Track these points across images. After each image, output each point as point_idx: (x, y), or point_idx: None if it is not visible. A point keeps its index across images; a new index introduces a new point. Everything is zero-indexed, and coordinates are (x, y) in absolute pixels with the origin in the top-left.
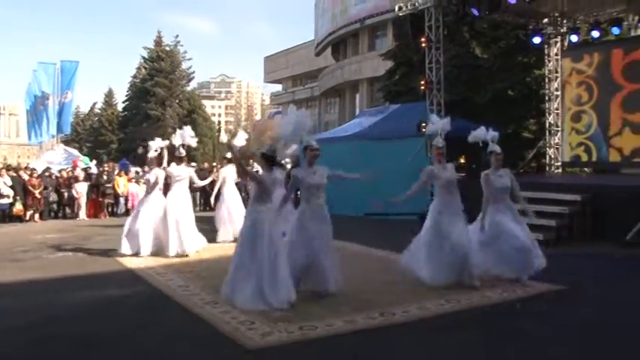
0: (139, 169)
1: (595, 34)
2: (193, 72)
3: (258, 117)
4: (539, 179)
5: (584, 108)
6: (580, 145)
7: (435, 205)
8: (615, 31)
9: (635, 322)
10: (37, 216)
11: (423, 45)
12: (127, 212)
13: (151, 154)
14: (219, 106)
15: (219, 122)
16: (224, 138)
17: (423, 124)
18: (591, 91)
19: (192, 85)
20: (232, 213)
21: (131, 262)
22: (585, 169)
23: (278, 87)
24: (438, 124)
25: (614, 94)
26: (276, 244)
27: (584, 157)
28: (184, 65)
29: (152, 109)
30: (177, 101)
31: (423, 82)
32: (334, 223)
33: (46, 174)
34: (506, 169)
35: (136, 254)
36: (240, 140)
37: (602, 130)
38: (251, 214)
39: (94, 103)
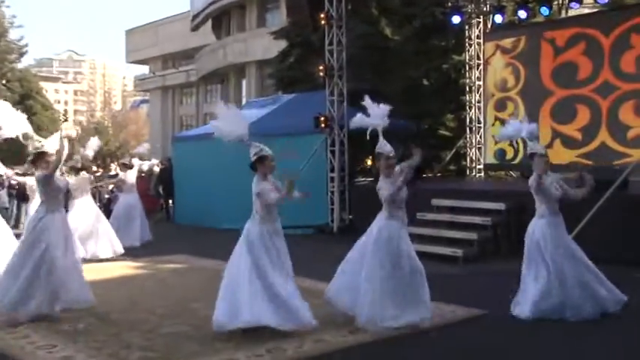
0: None
1: (522, 14)
2: (27, 45)
3: (118, 106)
4: (459, 185)
5: (509, 94)
6: None
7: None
8: (544, 11)
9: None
10: None
11: (322, 22)
12: None
13: None
14: (66, 91)
15: (66, 111)
16: (71, 132)
17: (322, 118)
18: (518, 75)
19: (27, 61)
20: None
21: None
22: (512, 172)
23: (144, 69)
24: (376, 114)
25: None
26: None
27: (510, 153)
28: (13, 34)
29: None
30: (3, 82)
31: (321, 68)
32: (231, 239)
33: None
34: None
35: None
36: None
37: (530, 119)
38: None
39: None
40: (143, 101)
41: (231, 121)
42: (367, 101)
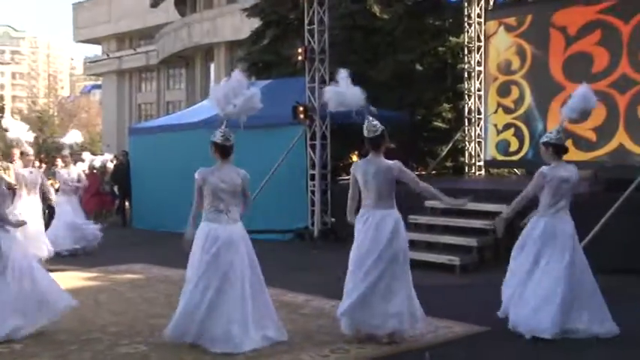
0: None
1: None
2: None
3: (65, 92)
4: (456, 184)
5: (514, 77)
6: (509, 128)
7: None
8: None
9: None
10: None
11: None
12: None
13: None
14: (2, 73)
15: (2, 97)
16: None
17: (301, 108)
18: (524, 56)
19: None
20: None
21: None
22: (516, 170)
23: (96, 50)
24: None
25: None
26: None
27: (515, 145)
28: None
29: None
30: None
31: (300, 50)
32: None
33: None
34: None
35: None
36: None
37: (538, 107)
38: None
39: None
40: (95, 86)
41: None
42: (342, 74)
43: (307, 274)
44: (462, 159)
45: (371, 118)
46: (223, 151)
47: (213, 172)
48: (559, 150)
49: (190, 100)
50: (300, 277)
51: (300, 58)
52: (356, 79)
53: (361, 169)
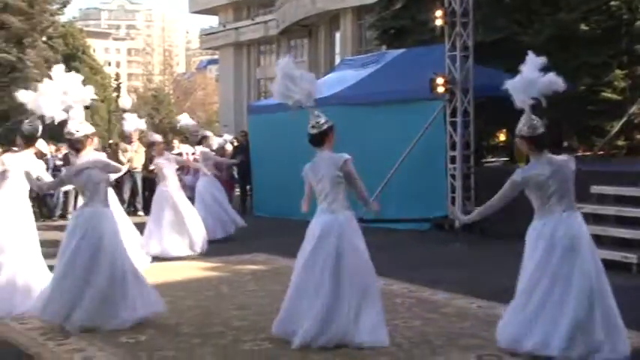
0: None
1: None
2: None
3: (181, 68)
4: (629, 167)
5: None
6: None
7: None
8: None
9: None
10: None
11: None
12: None
13: None
14: (118, 50)
15: (118, 75)
16: (126, 102)
17: (441, 80)
18: None
19: (71, 13)
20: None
21: None
22: None
23: (212, 21)
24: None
25: None
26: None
27: None
28: None
29: (1, 51)
30: (44, 39)
31: (439, 14)
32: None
33: None
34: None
35: None
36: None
37: None
38: None
39: None
40: (211, 61)
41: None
42: (531, 58)
43: (447, 270)
44: (638, 136)
45: None
46: (311, 141)
47: (312, 165)
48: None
49: (314, 73)
50: (439, 272)
51: (439, 22)
52: (505, 45)
53: None
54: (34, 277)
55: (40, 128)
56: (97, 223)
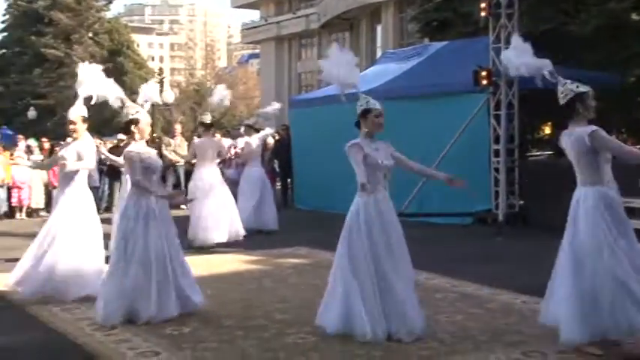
0: (33, 142)
1: None
2: None
3: (222, 63)
4: None
5: None
6: None
7: None
8: None
9: None
10: None
11: None
12: (11, 212)
13: None
14: (161, 44)
15: (161, 70)
16: (169, 96)
17: (484, 73)
18: None
19: (116, 9)
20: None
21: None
22: None
23: (254, 15)
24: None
25: None
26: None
27: None
28: None
29: (49, 47)
30: (90, 35)
31: (483, 5)
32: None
33: None
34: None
35: None
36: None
37: None
38: None
39: None
40: (252, 56)
41: (344, 65)
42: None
43: (490, 264)
44: None
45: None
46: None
47: None
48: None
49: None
50: (481, 267)
51: (483, 14)
52: (551, 36)
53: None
54: (91, 265)
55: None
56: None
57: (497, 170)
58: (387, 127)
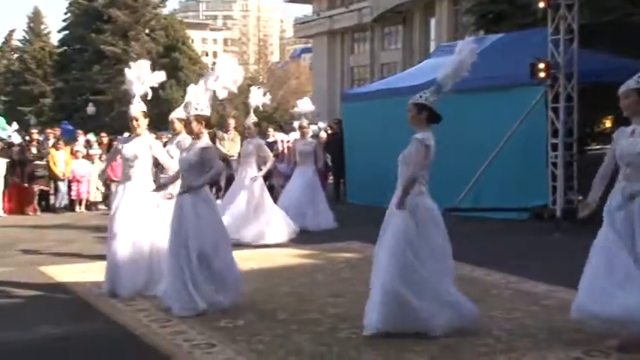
0: (92, 137)
1: None
2: None
3: (275, 58)
4: None
5: None
6: None
7: None
8: None
9: None
10: None
11: None
12: (72, 206)
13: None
14: (215, 40)
15: (214, 64)
16: (222, 92)
17: (542, 65)
18: None
19: (171, 6)
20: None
21: (80, 285)
22: None
23: (306, 9)
24: None
25: None
26: None
27: None
28: None
29: (107, 44)
30: (147, 31)
31: None
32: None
33: None
34: None
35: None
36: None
37: None
38: None
39: (11, 32)
40: (305, 50)
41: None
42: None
43: (547, 261)
44: None
45: None
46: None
47: None
48: None
49: (407, 61)
50: (538, 263)
51: (541, 5)
52: (614, 27)
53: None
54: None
55: None
56: None
57: (554, 165)
58: (443, 122)
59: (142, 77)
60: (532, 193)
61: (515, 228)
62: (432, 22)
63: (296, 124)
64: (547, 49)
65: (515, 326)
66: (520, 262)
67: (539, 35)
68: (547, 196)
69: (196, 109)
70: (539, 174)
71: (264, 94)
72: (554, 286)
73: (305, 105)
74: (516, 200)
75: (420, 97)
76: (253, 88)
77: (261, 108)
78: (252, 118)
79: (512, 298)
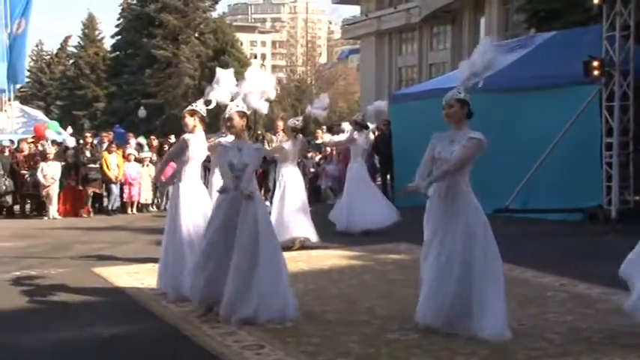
0: (143, 140)
1: None
2: None
3: (323, 59)
4: None
5: None
6: None
7: None
8: None
9: None
10: None
11: None
12: (123, 208)
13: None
14: (263, 42)
15: (263, 66)
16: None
17: (596, 63)
18: None
19: (221, 9)
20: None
21: (133, 286)
22: None
23: (354, 10)
24: None
25: None
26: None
27: None
28: None
29: (159, 48)
30: (197, 35)
31: None
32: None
33: None
34: None
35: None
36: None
37: None
38: None
39: (67, 38)
40: (352, 51)
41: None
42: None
43: (602, 263)
44: None
45: None
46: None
47: None
48: None
49: (456, 61)
50: (592, 265)
51: (596, 1)
52: None
53: None
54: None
55: None
56: None
57: (609, 164)
58: (492, 121)
59: (226, 85)
60: (585, 193)
61: (568, 229)
62: (482, 21)
63: (345, 124)
64: (600, 47)
65: (568, 329)
66: (574, 264)
67: (592, 33)
68: (600, 197)
69: (237, 105)
70: (593, 174)
71: (325, 108)
72: (609, 288)
73: (379, 104)
74: (568, 201)
75: (460, 92)
76: (323, 95)
77: (318, 118)
78: (297, 123)
79: (566, 300)
